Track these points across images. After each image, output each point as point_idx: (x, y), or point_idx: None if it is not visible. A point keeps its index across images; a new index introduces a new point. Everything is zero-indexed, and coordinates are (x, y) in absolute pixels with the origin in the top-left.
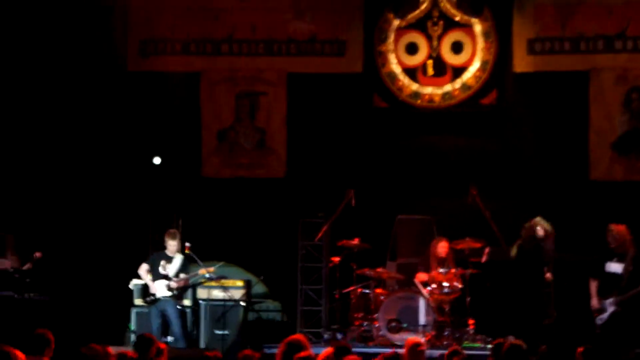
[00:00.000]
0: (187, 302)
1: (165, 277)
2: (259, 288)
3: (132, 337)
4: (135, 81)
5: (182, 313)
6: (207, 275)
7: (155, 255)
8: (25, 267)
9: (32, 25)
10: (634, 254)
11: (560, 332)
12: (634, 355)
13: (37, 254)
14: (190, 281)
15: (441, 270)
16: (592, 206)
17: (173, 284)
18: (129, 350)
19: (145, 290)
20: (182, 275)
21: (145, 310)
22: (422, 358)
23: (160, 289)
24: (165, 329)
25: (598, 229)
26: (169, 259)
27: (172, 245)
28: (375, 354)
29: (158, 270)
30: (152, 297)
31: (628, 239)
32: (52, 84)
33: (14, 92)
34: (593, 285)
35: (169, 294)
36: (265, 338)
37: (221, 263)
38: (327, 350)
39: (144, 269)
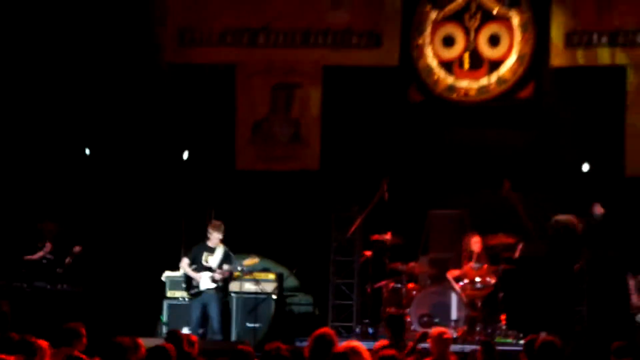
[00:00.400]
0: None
1: (209, 269)
2: (291, 281)
3: (164, 329)
4: (171, 72)
5: (225, 305)
6: (240, 269)
7: (197, 247)
8: (66, 261)
9: (71, 13)
10: None
11: (594, 328)
12: None
13: (77, 248)
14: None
15: (474, 265)
16: (628, 202)
17: (217, 276)
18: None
19: (188, 282)
20: (225, 267)
21: (177, 302)
22: (447, 347)
23: (204, 281)
24: (204, 321)
25: (634, 225)
26: (211, 251)
27: (215, 237)
28: None
29: (201, 262)
30: (196, 290)
31: None
32: (90, 74)
33: (54, 81)
34: (632, 282)
35: (213, 285)
36: (296, 331)
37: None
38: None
39: (185, 262)
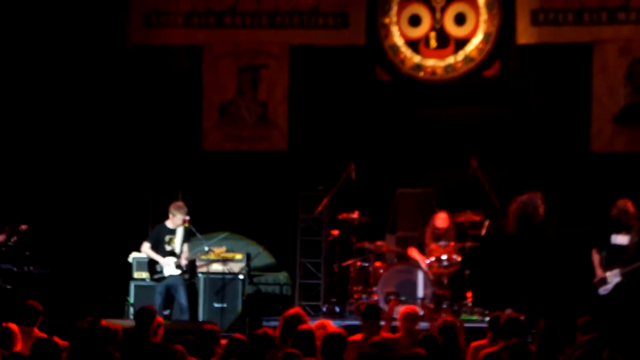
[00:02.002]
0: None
1: (173, 253)
2: (266, 259)
3: (131, 310)
4: (137, 54)
5: (191, 286)
6: (207, 249)
7: (157, 229)
8: (12, 239)
9: None
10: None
11: (559, 303)
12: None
13: (23, 227)
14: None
15: (440, 243)
16: (593, 178)
17: (183, 262)
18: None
19: (152, 266)
20: (185, 247)
21: (144, 284)
22: (416, 325)
23: (169, 267)
24: (168, 303)
25: (599, 200)
26: (173, 232)
27: (178, 218)
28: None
29: (164, 246)
30: (159, 275)
31: (634, 211)
32: (53, 56)
33: (13, 64)
34: (596, 257)
35: (178, 272)
36: (264, 311)
37: (226, 234)
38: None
39: (147, 246)
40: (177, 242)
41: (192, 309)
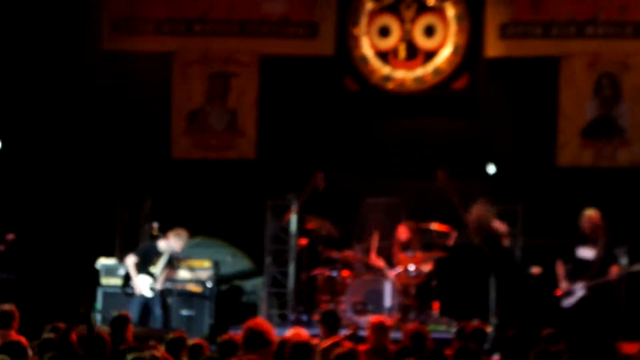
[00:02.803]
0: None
1: (152, 275)
2: (243, 265)
3: (98, 316)
4: (107, 60)
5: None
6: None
7: (148, 247)
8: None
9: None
10: (606, 240)
11: (523, 316)
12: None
13: (10, 236)
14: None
15: (408, 253)
16: (560, 191)
17: (157, 286)
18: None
19: (126, 280)
20: (165, 272)
21: (112, 290)
22: (386, 336)
23: (143, 287)
24: (146, 314)
25: (565, 214)
26: (161, 255)
27: (173, 243)
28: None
29: (148, 266)
30: (131, 290)
31: (600, 225)
32: (22, 61)
33: None
34: (561, 269)
35: (151, 294)
36: (231, 319)
37: (199, 238)
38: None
39: (131, 260)
40: (159, 265)
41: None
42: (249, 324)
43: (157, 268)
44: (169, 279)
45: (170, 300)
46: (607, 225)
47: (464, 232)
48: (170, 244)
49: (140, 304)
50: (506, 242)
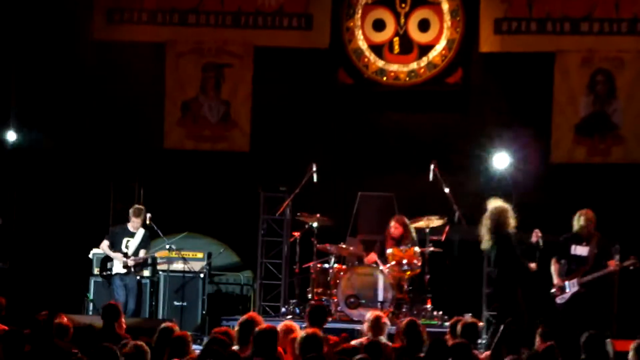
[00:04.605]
0: (146, 272)
1: (125, 254)
2: (228, 259)
3: (91, 306)
4: (101, 50)
5: (138, 285)
6: (167, 246)
7: (118, 230)
8: None
9: None
10: (599, 237)
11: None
12: None
13: None
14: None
15: (401, 247)
16: (553, 188)
17: (130, 262)
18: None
19: (103, 263)
20: (141, 253)
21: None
22: (384, 331)
23: (116, 265)
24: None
25: (559, 210)
26: (132, 235)
27: (135, 222)
28: (333, 330)
29: (120, 247)
30: (107, 272)
31: (594, 222)
32: (15, 50)
33: None
34: (555, 266)
35: (124, 271)
36: (224, 311)
37: (185, 233)
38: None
39: (105, 244)
40: (132, 245)
41: (155, 307)
42: (241, 319)
43: (131, 247)
44: (145, 261)
45: (161, 290)
46: (600, 223)
47: (457, 227)
48: (133, 222)
49: (123, 287)
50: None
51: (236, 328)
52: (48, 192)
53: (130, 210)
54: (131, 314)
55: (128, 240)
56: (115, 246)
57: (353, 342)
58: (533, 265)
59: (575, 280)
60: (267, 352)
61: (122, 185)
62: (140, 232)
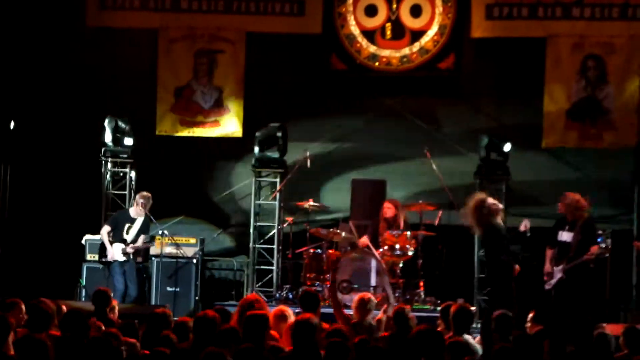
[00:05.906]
0: (139, 258)
1: (124, 241)
2: (226, 243)
3: (83, 292)
4: (93, 36)
5: (139, 271)
6: (160, 232)
7: (120, 215)
8: None
9: None
10: (583, 222)
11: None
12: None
13: None
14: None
15: (394, 232)
16: (545, 173)
17: (129, 250)
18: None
19: (102, 249)
20: (141, 238)
21: (96, 266)
22: (370, 313)
23: (116, 252)
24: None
25: (552, 195)
26: (133, 221)
27: (139, 208)
28: (327, 315)
29: (121, 233)
30: (105, 259)
31: (580, 207)
32: (8, 38)
33: None
34: (548, 253)
35: (123, 258)
36: (216, 296)
37: (181, 217)
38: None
39: (105, 230)
40: (132, 231)
41: (147, 292)
42: (242, 300)
43: (130, 233)
44: (146, 248)
45: (154, 275)
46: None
47: (450, 211)
48: (137, 208)
49: (122, 274)
50: (500, 219)
51: (237, 309)
52: (40, 177)
53: (138, 196)
54: (132, 300)
55: (129, 227)
56: (116, 231)
57: None
58: (517, 267)
59: (560, 267)
60: (256, 338)
61: (115, 171)
62: (141, 218)
